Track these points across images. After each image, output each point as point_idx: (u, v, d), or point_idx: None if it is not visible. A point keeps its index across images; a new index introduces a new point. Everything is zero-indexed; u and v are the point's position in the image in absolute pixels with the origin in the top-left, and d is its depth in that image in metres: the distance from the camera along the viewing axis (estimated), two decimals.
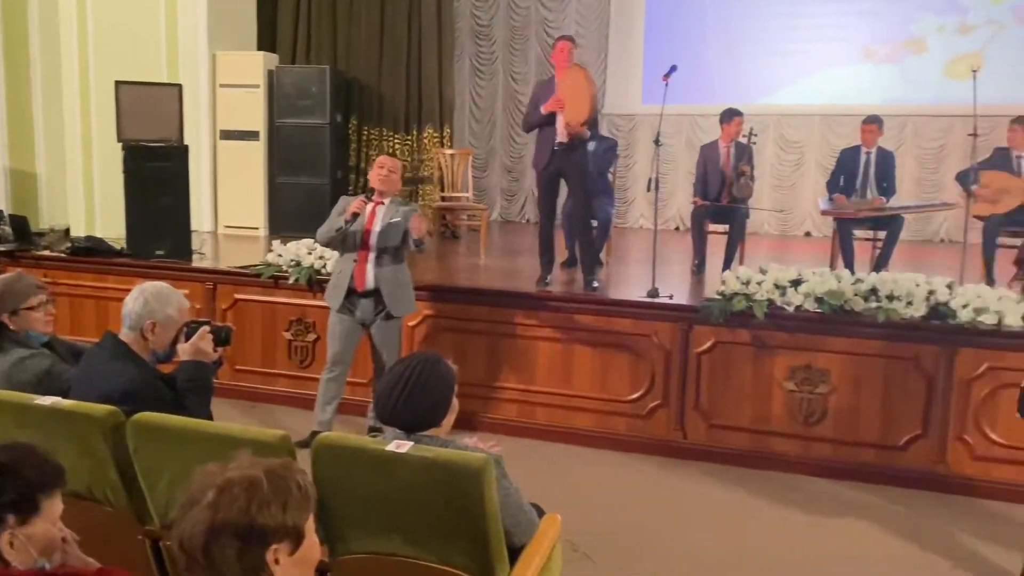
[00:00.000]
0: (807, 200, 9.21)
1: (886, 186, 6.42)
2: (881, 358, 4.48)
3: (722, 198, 6.47)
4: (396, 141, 8.44)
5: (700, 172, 6.71)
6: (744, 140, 6.55)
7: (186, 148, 6.24)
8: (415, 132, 8.45)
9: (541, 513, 2.55)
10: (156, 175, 6.05)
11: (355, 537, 2.29)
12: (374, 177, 4.57)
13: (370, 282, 4.52)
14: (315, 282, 5.34)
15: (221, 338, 2.84)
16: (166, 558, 2.47)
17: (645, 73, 9.63)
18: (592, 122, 5.37)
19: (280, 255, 5.57)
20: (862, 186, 6.42)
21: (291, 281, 5.43)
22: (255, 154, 8.10)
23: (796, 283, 4.62)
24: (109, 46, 7.84)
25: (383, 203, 4.55)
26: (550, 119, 5.27)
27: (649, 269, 5.19)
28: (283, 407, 5.46)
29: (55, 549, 1.70)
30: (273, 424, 4.88)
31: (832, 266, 6.12)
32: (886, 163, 6.46)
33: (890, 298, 4.48)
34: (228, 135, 8.12)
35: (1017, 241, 6.25)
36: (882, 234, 6.30)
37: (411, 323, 5.16)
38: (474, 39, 10.34)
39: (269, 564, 1.48)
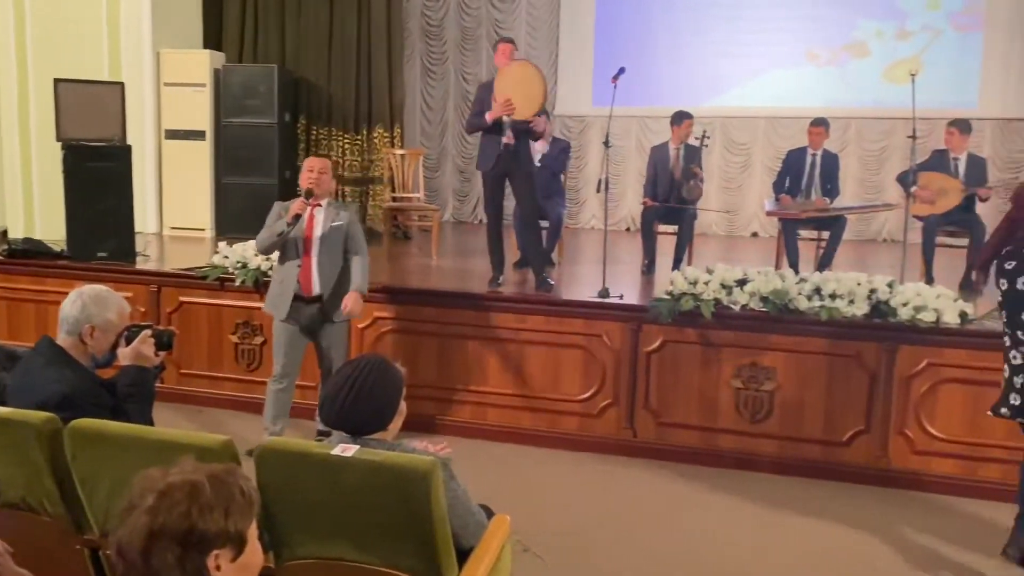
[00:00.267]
0: (754, 201, 9.36)
1: (830, 187, 6.56)
2: (825, 356, 4.57)
3: (671, 199, 6.54)
4: (345, 141, 8.37)
5: (650, 173, 6.78)
6: (696, 142, 6.64)
7: (129, 148, 6.11)
8: (365, 132, 8.38)
9: (491, 514, 2.55)
10: (98, 175, 5.91)
11: (301, 542, 2.27)
12: (305, 180, 4.42)
13: (316, 287, 4.45)
14: (262, 284, 5.26)
15: (163, 342, 2.78)
16: (106, 568, 2.42)
17: (595, 74, 9.69)
18: (543, 111, 5.38)
19: (226, 257, 5.49)
20: (807, 187, 6.55)
21: (238, 283, 5.35)
22: (201, 154, 7.96)
23: (742, 283, 4.69)
24: (48, 43, 7.64)
25: (320, 205, 4.46)
26: (497, 124, 5.28)
27: (600, 269, 5.23)
28: (230, 412, 5.37)
29: None
30: (220, 429, 4.80)
31: (777, 266, 6.24)
32: (831, 165, 6.60)
33: (833, 297, 4.58)
34: (173, 135, 7.97)
35: (954, 240, 6.46)
36: (826, 234, 6.44)
37: (361, 325, 5.12)
38: (425, 39, 10.30)
39: (210, 570, 1.46)
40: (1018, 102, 8.74)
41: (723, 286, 4.69)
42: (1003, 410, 3.48)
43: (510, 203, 5.91)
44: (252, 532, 1.54)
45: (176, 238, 7.80)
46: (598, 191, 5.59)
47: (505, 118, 5.22)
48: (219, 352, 5.54)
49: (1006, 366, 3.52)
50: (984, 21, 8.80)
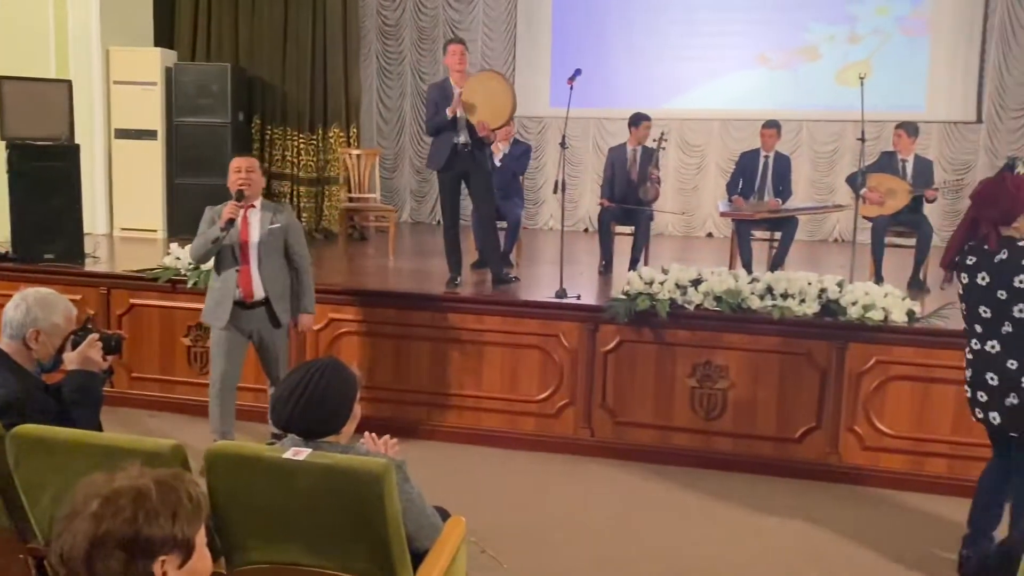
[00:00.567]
0: (708, 202, 9.47)
1: (782, 189, 6.66)
2: (777, 354, 4.65)
3: (629, 200, 6.59)
4: (301, 140, 8.27)
5: (607, 174, 6.84)
6: (654, 144, 6.68)
7: (77, 147, 6.00)
8: (320, 132, 8.30)
9: (446, 516, 2.54)
10: (45, 175, 5.80)
11: (253, 547, 2.24)
12: (235, 182, 4.24)
13: (259, 292, 4.31)
14: None
15: (111, 346, 2.73)
16: None
17: (553, 75, 9.72)
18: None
19: (178, 258, 5.41)
20: (760, 189, 6.65)
21: (189, 285, 5.26)
22: (152, 154, 7.81)
23: (696, 283, 4.75)
24: None
25: (253, 206, 4.32)
26: (453, 122, 5.29)
27: (558, 270, 5.25)
28: (183, 416, 5.28)
29: None
30: (171, 434, 4.71)
31: (731, 266, 6.32)
32: (783, 167, 6.71)
33: (784, 296, 4.66)
34: (124, 134, 7.81)
35: (903, 240, 6.61)
36: (779, 234, 6.54)
37: (316, 327, 5.07)
38: (381, 38, 10.24)
39: None
40: (963, 105, 8.97)
41: (678, 286, 4.74)
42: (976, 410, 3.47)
43: (468, 204, 5.91)
44: (200, 538, 1.52)
45: (127, 239, 7.65)
46: (555, 192, 5.63)
47: (460, 112, 5.23)
48: (171, 355, 5.44)
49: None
50: (930, 26, 9.01)
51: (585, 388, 4.88)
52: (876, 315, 4.51)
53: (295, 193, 8.28)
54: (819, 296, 4.63)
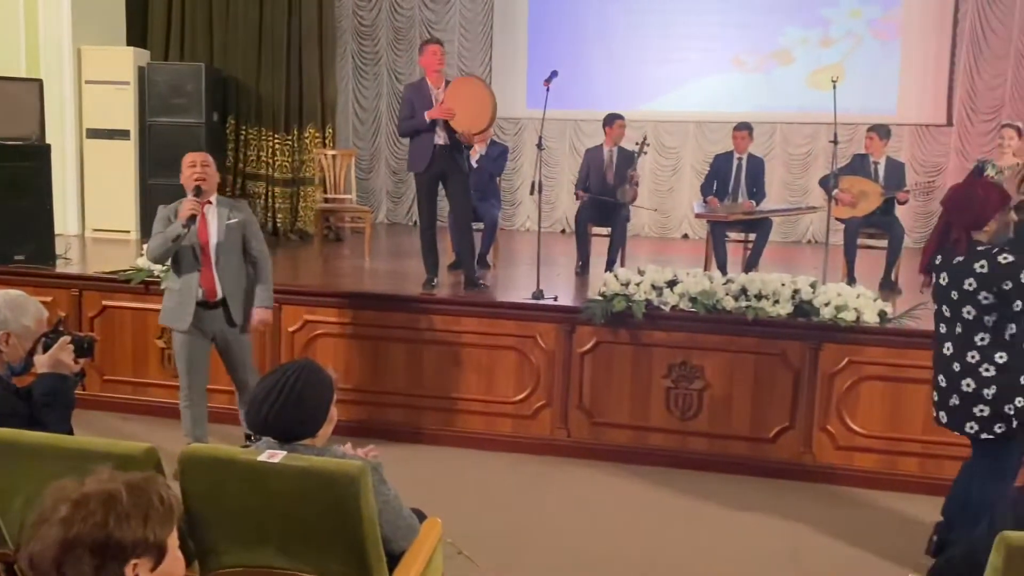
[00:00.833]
0: (684, 203, 9.52)
1: (756, 191, 6.71)
2: (751, 354, 4.69)
3: (605, 202, 6.61)
4: (276, 141, 8.22)
5: (583, 175, 6.87)
6: (636, 147, 6.68)
7: (48, 147, 5.94)
8: (296, 132, 8.25)
9: (423, 518, 2.54)
10: (14, 175, 5.75)
11: (227, 550, 2.22)
12: (189, 178, 4.12)
13: (220, 291, 4.22)
14: None
15: (83, 349, 2.69)
16: None
17: (529, 76, 9.73)
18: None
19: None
20: (734, 190, 6.70)
21: (163, 287, 5.20)
22: (125, 154, 7.73)
23: (672, 284, 4.78)
24: None
25: (210, 202, 4.21)
26: (431, 124, 5.28)
27: (534, 271, 5.26)
28: (157, 418, 5.22)
29: None
30: (146, 438, 4.66)
31: (706, 267, 6.37)
32: (756, 169, 6.76)
33: (758, 297, 4.70)
34: (96, 134, 7.72)
35: (875, 242, 6.69)
36: (753, 236, 6.60)
37: (291, 328, 5.05)
38: (357, 38, 10.20)
39: None
40: (934, 108, 9.09)
41: (654, 287, 4.77)
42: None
43: (445, 204, 5.90)
44: (172, 541, 1.51)
45: (99, 240, 7.56)
46: (532, 193, 5.64)
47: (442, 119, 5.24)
48: (144, 357, 5.39)
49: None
50: (901, 29, 9.13)
51: (562, 389, 4.89)
52: (849, 316, 4.56)
53: (270, 194, 8.23)
54: (793, 297, 4.68)
